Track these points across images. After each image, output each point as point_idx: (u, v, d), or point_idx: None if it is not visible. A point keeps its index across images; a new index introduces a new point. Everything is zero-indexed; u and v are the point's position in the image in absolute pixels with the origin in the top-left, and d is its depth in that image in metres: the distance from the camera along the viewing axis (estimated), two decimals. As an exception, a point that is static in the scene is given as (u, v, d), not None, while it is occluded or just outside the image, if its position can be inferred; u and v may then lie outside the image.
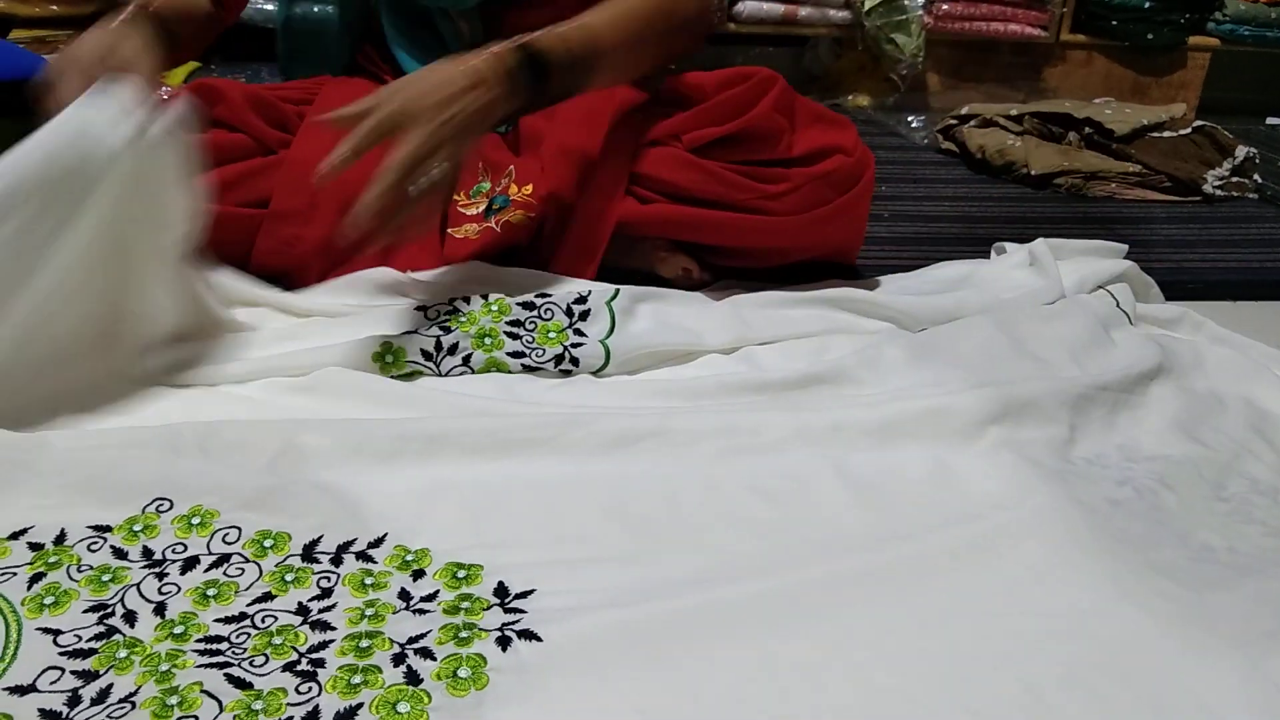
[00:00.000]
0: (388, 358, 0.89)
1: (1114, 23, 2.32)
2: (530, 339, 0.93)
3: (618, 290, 0.98)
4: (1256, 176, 1.70)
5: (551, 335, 0.93)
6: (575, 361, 0.92)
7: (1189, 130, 1.75)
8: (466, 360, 0.90)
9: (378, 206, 0.80)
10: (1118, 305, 1.08)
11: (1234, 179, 1.67)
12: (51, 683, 0.56)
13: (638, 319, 0.98)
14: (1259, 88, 2.45)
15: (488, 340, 0.92)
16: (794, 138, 1.05)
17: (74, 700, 0.55)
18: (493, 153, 1.08)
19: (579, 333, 0.94)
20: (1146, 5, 2.30)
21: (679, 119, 1.06)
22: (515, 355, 0.91)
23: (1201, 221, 1.55)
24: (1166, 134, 1.75)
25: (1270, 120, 2.32)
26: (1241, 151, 1.69)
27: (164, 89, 1.38)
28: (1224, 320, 1.13)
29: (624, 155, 1.05)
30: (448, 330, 0.91)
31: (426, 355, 0.90)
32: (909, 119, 2.03)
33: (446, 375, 0.90)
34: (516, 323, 0.93)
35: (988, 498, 0.76)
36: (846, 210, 1.06)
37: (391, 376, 0.88)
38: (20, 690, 0.55)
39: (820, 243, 1.09)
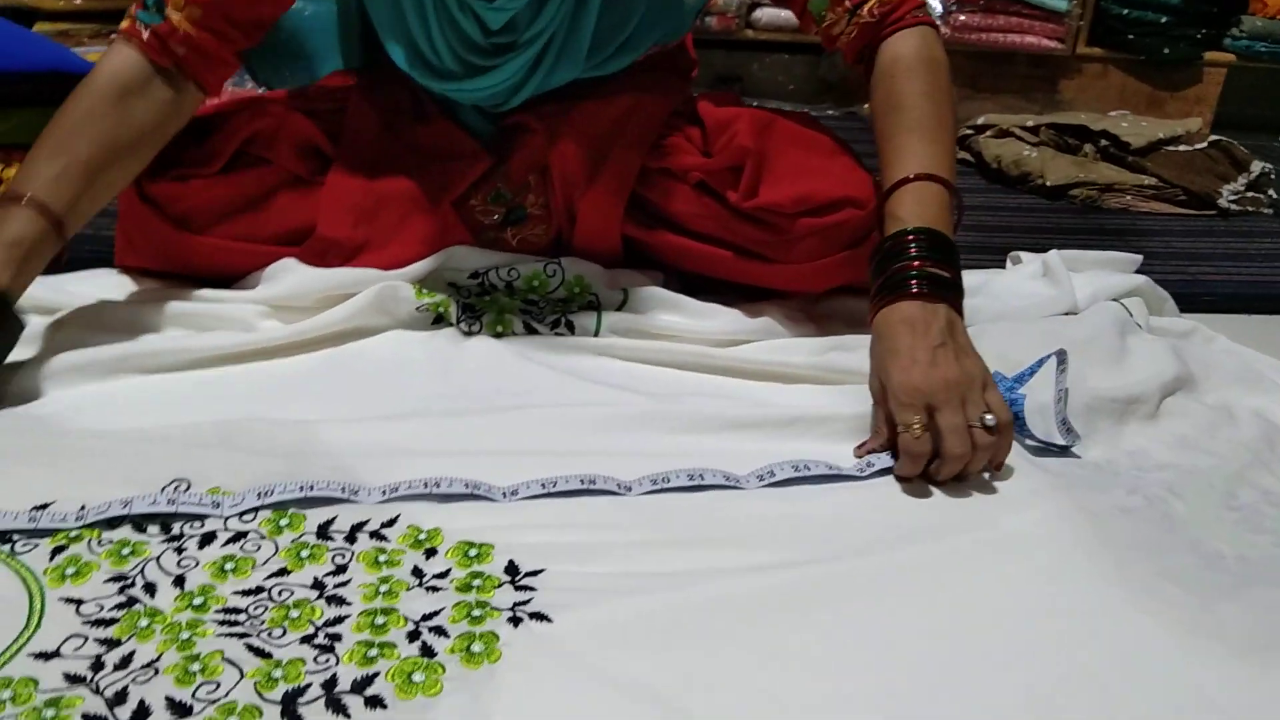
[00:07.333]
0: (423, 291, 0.97)
1: (1130, 36, 2.32)
2: (540, 308, 1.00)
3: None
4: (1271, 192, 1.70)
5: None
6: (571, 326, 0.98)
7: (1204, 144, 1.75)
8: (478, 316, 0.97)
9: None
10: (1130, 317, 1.08)
11: (1249, 194, 1.67)
12: (75, 649, 0.57)
13: (643, 303, 1.02)
14: (1275, 104, 2.45)
15: (505, 315, 0.98)
16: (805, 173, 0.99)
17: (98, 665, 0.56)
18: (515, 162, 1.05)
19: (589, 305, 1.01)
20: (1163, 20, 2.30)
21: (691, 158, 1.02)
22: (522, 312, 0.99)
23: (1216, 235, 1.55)
24: (1182, 148, 1.75)
25: (1286, 137, 2.32)
26: (1257, 167, 1.69)
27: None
28: (1237, 333, 1.13)
29: (632, 164, 1.02)
30: (472, 308, 0.98)
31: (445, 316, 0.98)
32: (925, 128, 2.02)
33: (458, 325, 0.97)
34: (531, 301, 1.00)
35: (997, 502, 0.76)
36: (855, 262, 0.97)
37: (417, 308, 0.96)
38: (45, 656, 0.57)
39: (828, 285, 1.03)
